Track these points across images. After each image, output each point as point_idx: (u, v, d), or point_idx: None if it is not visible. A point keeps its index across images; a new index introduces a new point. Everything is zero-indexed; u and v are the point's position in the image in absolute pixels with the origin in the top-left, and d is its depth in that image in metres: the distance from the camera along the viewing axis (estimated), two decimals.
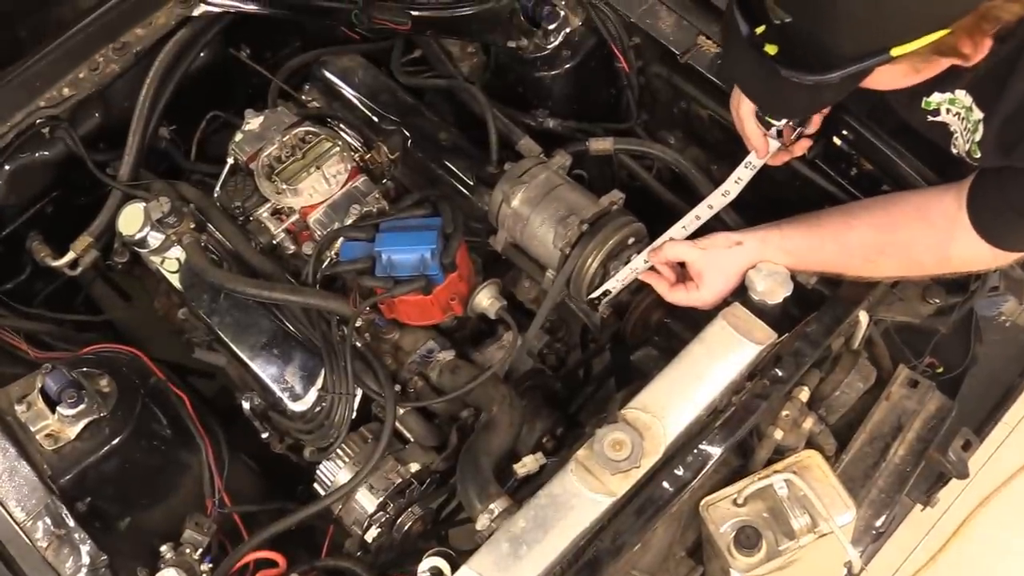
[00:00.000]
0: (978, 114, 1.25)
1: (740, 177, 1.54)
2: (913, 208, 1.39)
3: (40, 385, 1.41)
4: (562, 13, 1.77)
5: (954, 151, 1.34)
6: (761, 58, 1.12)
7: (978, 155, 1.27)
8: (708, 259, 1.46)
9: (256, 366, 1.58)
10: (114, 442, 1.43)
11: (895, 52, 1.05)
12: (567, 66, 1.80)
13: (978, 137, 1.26)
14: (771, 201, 1.77)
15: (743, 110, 1.50)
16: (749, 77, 1.22)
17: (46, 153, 1.70)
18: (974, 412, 1.61)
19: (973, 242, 1.31)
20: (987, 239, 1.30)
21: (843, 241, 1.42)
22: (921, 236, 1.37)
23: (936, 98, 1.30)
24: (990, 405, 1.63)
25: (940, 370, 1.61)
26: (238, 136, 1.71)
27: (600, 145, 1.64)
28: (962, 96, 1.26)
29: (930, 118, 1.33)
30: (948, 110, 1.30)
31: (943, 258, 1.36)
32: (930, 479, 1.58)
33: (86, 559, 1.32)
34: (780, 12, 1.08)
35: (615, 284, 1.56)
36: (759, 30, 1.12)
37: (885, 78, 1.13)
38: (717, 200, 1.56)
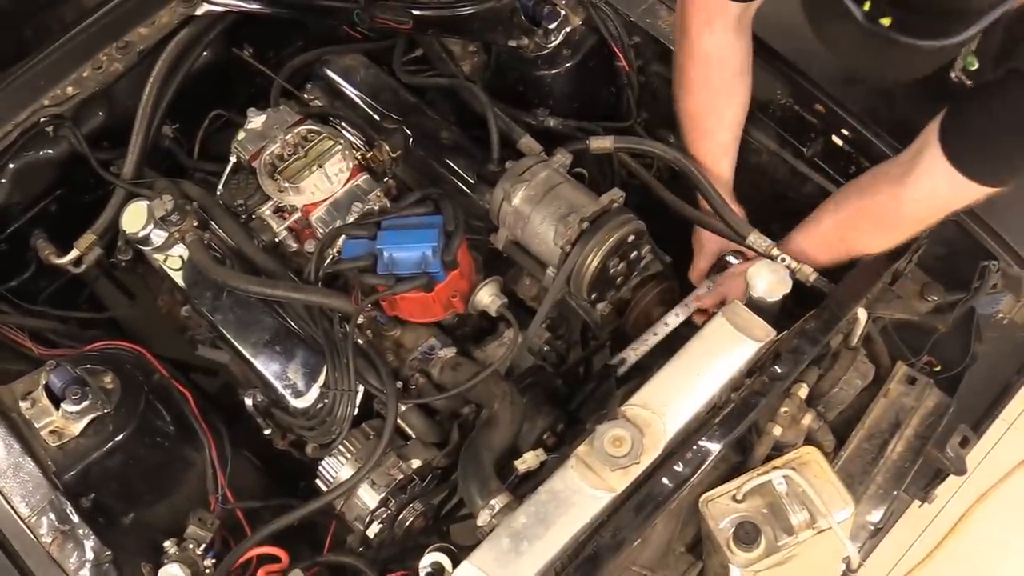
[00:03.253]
0: None
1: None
2: (865, 177, 1.50)
3: (44, 382, 1.42)
4: (562, 12, 1.77)
5: (953, 76, 1.33)
6: (875, 33, 1.09)
7: (975, 66, 1.26)
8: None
9: (259, 363, 1.58)
10: (118, 438, 1.43)
11: None
12: (567, 65, 1.80)
13: (975, 46, 1.25)
14: (773, 199, 1.78)
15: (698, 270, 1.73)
16: (860, 53, 1.19)
17: (50, 151, 1.70)
18: (972, 408, 1.60)
19: (929, 179, 1.34)
20: (961, 167, 1.30)
21: (820, 233, 1.52)
22: (871, 194, 1.44)
23: None
24: (987, 402, 1.63)
25: (938, 368, 1.61)
26: (241, 135, 1.71)
27: (600, 144, 1.64)
28: None
29: (952, 74, 1.34)
30: None
31: (898, 205, 1.41)
32: (928, 475, 1.58)
33: (90, 554, 1.32)
34: None
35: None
36: (866, 7, 1.09)
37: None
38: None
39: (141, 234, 1.62)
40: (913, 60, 1.15)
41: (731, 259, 1.73)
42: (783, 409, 1.39)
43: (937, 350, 1.59)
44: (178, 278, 1.65)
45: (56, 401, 1.41)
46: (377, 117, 1.84)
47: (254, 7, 1.78)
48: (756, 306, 1.42)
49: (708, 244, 1.76)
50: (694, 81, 1.60)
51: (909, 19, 1.08)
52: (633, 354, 1.67)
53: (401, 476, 1.50)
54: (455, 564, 1.28)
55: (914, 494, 1.60)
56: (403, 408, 1.56)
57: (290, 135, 1.68)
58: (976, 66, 1.26)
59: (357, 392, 1.50)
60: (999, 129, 1.26)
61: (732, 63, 1.57)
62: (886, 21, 1.09)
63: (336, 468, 1.52)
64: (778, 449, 1.39)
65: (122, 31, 1.73)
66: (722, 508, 1.33)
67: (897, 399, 1.52)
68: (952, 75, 1.34)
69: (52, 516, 1.34)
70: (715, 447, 1.32)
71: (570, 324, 1.81)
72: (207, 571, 1.40)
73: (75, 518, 1.34)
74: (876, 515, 1.47)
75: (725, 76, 1.58)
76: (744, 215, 1.64)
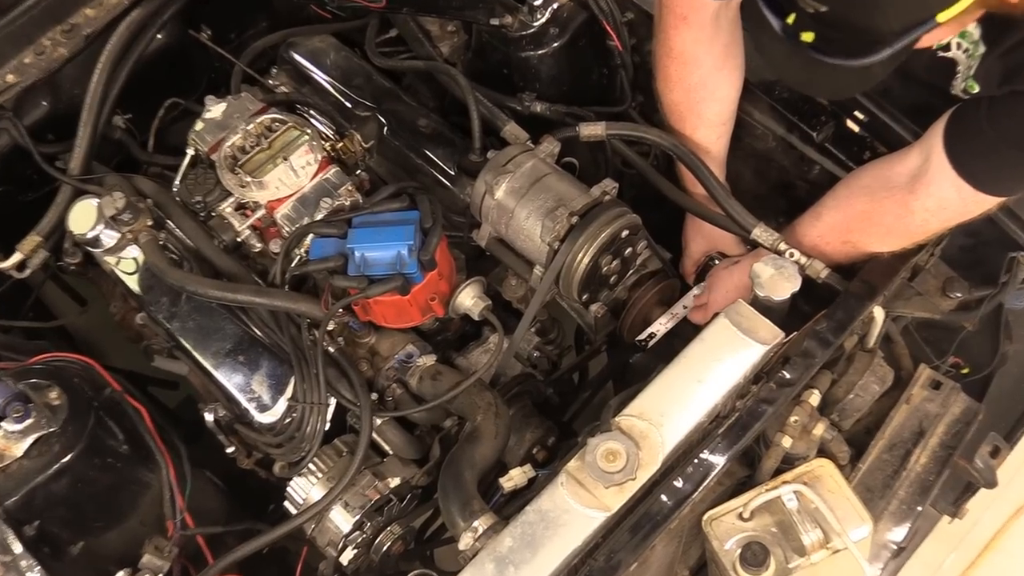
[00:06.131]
0: (982, 48, 1.31)
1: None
2: (869, 176, 1.52)
3: None
4: None
5: (952, 91, 1.40)
6: (798, 47, 1.16)
7: (976, 89, 1.34)
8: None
9: (220, 375, 1.58)
10: (65, 459, 1.42)
11: (940, 18, 1.08)
12: (555, 45, 1.80)
13: (973, 71, 1.32)
14: (780, 188, 1.78)
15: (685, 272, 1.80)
16: (788, 66, 1.26)
17: None
18: (1003, 415, 1.61)
19: (938, 189, 1.37)
20: (969, 179, 1.35)
21: (818, 231, 1.54)
22: (880, 199, 1.46)
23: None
24: (1021, 407, 1.63)
25: (966, 371, 1.61)
26: (199, 125, 1.70)
27: (591, 130, 1.64)
28: (972, 29, 1.32)
29: (940, 54, 1.39)
30: (959, 44, 1.36)
31: (907, 214, 1.43)
32: (957, 489, 1.58)
33: None
34: (812, 2, 1.11)
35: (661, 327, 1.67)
36: (790, 20, 1.15)
37: (925, 40, 1.15)
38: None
39: (90, 235, 1.62)
40: (837, 78, 1.22)
41: (716, 262, 1.75)
42: (793, 418, 1.39)
43: (963, 351, 1.59)
44: (132, 283, 1.65)
45: None
46: (348, 104, 1.84)
47: None
48: (762, 305, 1.42)
49: (692, 243, 1.78)
50: (672, 77, 1.64)
51: (829, 35, 1.13)
52: (662, 327, 1.69)
53: (377, 496, 1.50)
54: None
55: (943, 509, 1.59)
56: (379, 422, 1.56)
57: (252, 125, 1.67)
58: (977, 89, 1.34)
59: (328, 405, 1.50)
60: (1008, 143, 1.30)
61: (708, 60, 1.59)
62: (808, 37, 1.15)
63: (306, 488, 1.52)
64: (788, 462, 1.39)
65: (67, 12, 1.72)
66: (727, 527, 1.32)
67: (920, 405, 1.51)
68: (952, 90, 1.41)
69: None
70: (719, 460, 1.31)
71: (561, 328, 1.82)
72: None
73: (18, 548, 1.33)
74: (899, 533, 1.46)
75: (703, 73, 1.61)
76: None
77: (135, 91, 1.78)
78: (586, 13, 1.79)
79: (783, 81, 1.64)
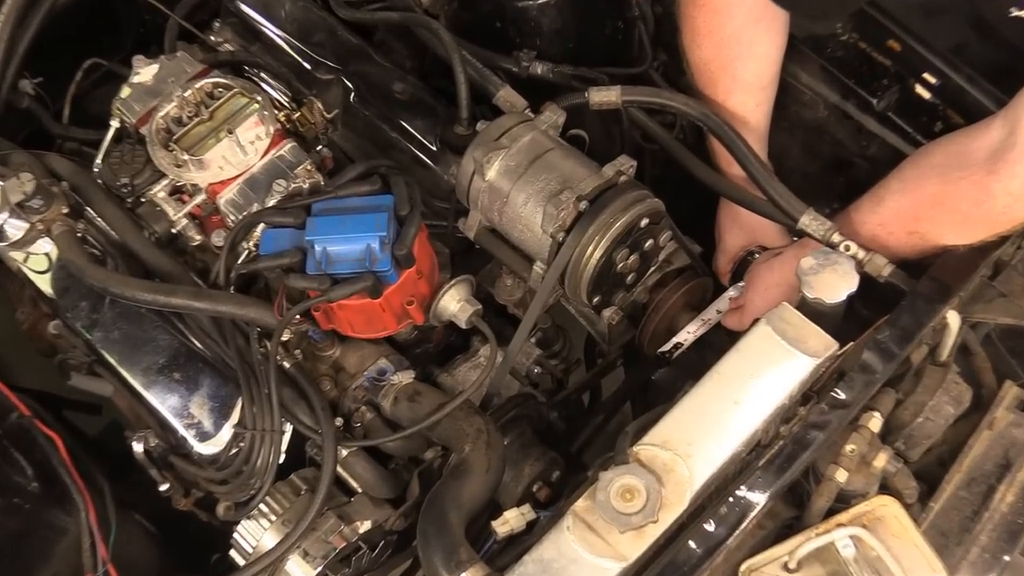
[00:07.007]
0: None
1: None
2: (942, 152, 1.52)
3: None
4: None
5: None
6: None
7: None
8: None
9: (152, 396, 1.58)
10: None
11: None
12: None
13: None
14: (833, 167, 1.79)
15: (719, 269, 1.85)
16: None
17: None
18: None
19: None
20: None
21: (880, 219, 1.55)
22: (954, 180, 1.46)
23: None
24: None
25: None
26: (125, 91, 1.70)
27: (604, 96, 1.64)
28: None
29: (1013, 11, 1.42)
30: None
31: (987, 198, 1.44)
32: None
33: None
34: None
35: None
36: None
37: None
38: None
39: None
40: None
41: (757, 256, 1.75)
42: (849, 447, 1.39)
43: None
44: (43, 284, 1.65)
45: None
46: (307, 65, 1.85)
47: None
48: (811, 309, 1.42)
49: (727, 234, 1.79)
50: (700, 30, 1.64)
51: None
52: (690, 336, 1.70)
53: (343, 544, 1.50)
54: None
55: None
56: (345, 453, 1.56)
57: (190, 91, 1.67)
58: None
59: (283, 433, 1.50)
60: None
61: (743, 8, 1.60)
62: None
63: (256, 534, 1.52)
64: (844, 500, 1.39)
65: None
66: None
67: (1005, 431, 1.52)
68: None
69: None
70: (759, 499, 1.31)
71: (568, 338, 1.82)
72: None
73: None
74: None
75: (737, 24, 1.61)
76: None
77: (46, 50, 1.78)
78: None
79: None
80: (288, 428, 1.51)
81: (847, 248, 1.54)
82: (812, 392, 1.40)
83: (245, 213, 1.61)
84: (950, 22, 1.73)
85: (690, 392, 1.36)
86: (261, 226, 1.56)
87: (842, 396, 1.37)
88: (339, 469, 1.55)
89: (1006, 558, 1.47)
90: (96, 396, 1.66)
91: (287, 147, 1.67)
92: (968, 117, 1.60)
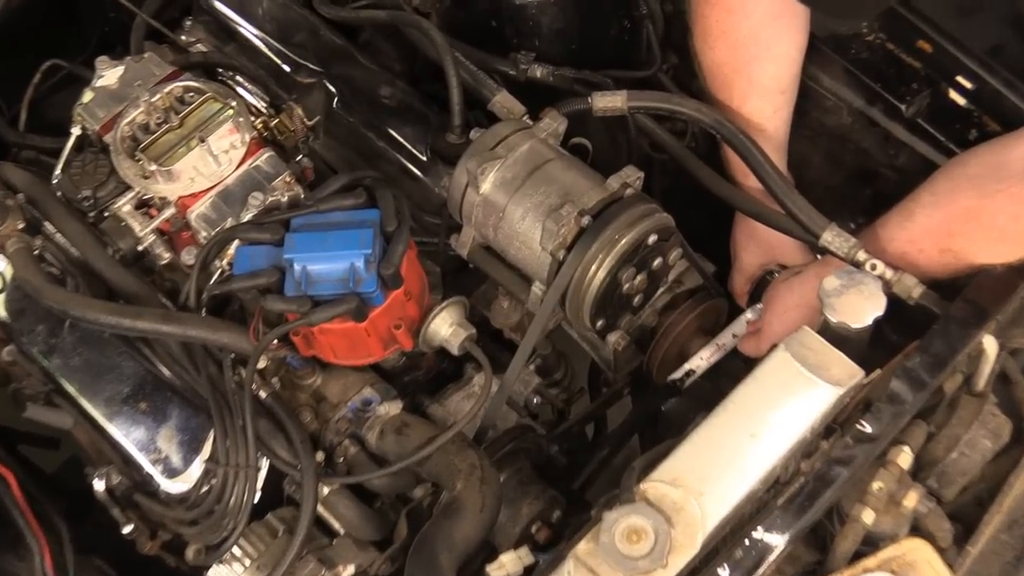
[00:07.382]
0: None
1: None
2: (977, 162, 1.52)
3: None
4: None
5: None
6: None
7: None
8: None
9: (115, 428, 1.58)
10: None
11: None
12: None
13: None
14: (857, 177, 1.79)
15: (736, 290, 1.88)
16: None
17: None
18: None
19: None
20: None
21: (910, 236, 1.55)
22: (991, 193, 1.47)
23: None
24: None
25: None
26: (87, 96, 1.71)
27: (609, 102, 1.64)
28: None
29: None
30: None
31: None
32: None
33: None
34: None
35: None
36: None
37: None
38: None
39: None
40: None
41: (776, 275, 1.76)
42: (877, 485, 1.39)
43: None
44: None
45: None
46: (287, 68, 1.86)
47: None
48: (835, 334, 1.42)
49: (744, 251, 1.79)
50: (714, 30, 1.65)
51: None
52: (702, 363, 1.71)
53: None
54: None
55: None
56: (326, 491, 1.56)
57: (159, 96, 1.68)
58: None
59: (259, 468, 1.50)
60: None
61: (760, 6, 1.61)
62: None
63: None
64: (871, 543, 1.39)
65: None
66: None
67: None
68: None
69: None
70: (778, 541, 1.31)
71: (570, 365, 1.82)
72: None
73: None
74: None
75: (754, 23, 1.62)
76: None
77: (1, 50, 1.79)
78: None
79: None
80: (264, 463, 1.51)
81: (873, 267, 1.54)
82: (836, 424, 1.40)
83: (218, 229, 1.61)
84: (986, 21, 1.74)
85: (702, 424, 1.36)
86: (235, 243, 1.56)
87: (869, 429, 1.37)
88: (320, 508, 1.55)
89: None
90: (54, 429, 1.65)
91: (264, 157, 1.67)
92: (1006, 124, 1.61)
